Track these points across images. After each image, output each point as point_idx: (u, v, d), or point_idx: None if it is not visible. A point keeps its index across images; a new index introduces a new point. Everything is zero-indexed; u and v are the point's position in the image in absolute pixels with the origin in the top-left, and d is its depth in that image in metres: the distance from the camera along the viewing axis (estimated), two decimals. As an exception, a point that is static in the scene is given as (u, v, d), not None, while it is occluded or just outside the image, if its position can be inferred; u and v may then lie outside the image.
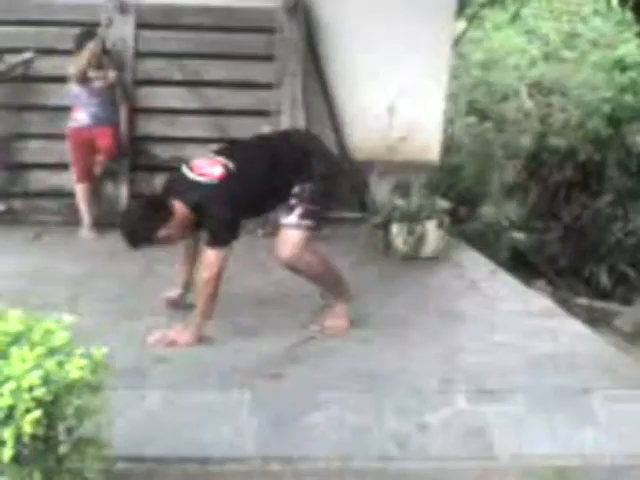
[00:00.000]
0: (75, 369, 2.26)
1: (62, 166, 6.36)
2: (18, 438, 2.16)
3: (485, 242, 6.94)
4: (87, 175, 6.26)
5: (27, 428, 2.14)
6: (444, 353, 3.98)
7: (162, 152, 6.55)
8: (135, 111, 6.58)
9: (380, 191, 6.77)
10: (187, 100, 6.60)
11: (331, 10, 6.81)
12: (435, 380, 3.62)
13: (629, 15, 8.39)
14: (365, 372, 3.69)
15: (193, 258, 4.35)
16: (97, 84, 6.15)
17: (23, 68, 6.41)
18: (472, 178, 8.36)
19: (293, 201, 4.04)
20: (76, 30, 6.17)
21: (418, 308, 4.57)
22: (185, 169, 4.02)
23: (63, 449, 2.33)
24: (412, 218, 5.92)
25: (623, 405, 3.47)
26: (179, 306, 4.38)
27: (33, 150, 6.51)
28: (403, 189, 6.55)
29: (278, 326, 4.26)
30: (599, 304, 6.92)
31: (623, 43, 10.03)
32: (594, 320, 5.85)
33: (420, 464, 3.13)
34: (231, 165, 3.95)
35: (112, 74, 6.24)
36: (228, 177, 3.91)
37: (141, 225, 3.88)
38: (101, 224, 6.24)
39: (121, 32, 6.57)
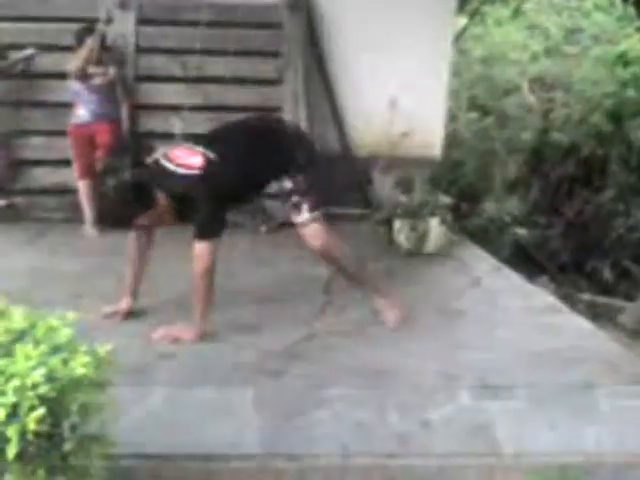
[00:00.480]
0: (79, 366, 2.26)
1: (64, 163, 6.35)
2: (22, 435, 2.15)
3: (487, 238, 6.94)
4: (89, 172, 6.24)
5: (31, 425, 2.14)
6: (447, 349, 3.98)
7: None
8: (136, 107, 6.57)
9: (382, 187, 6.77)
10: (189, 96, 6.59)
11: (333, 6, 6.80)
12: (438, 376, 3.62)
13: (631, 10, 8.38)
14: (368, 369, 3.69)
15: (142, 258, 4.27)
16: (97, 81, 6.14)
17: (24, 64, 6.40)
18: (474, 174, 8.37)
19: (295, 198, 4.06)
20: (76, 26, 6.16)
21: (421, 304, 4.57)
22: (163, 160, 3.98)
23: (67, 446, 2.32)
24: (415, 214, 5.92)
25: (626, 401, 3.46)
26: (130, 316, 4.26)
27: (35, 147, 6.51)
28: (405, 185, 6.54)
29: (281, 323, 4.26)
30: (602, 300, 6.92)
31: (625, 38, 10.01)
32: (597, 316, 5.86)
33: (423, 461, 3.13)
34: (211, 154, 3.92)
35: (112, 70, 6.23)
36: (209, 166, 3.88)
37: (125, 209, 3.88)
38: (103, 221, 6.23)
39: (122, 28, 6.55)
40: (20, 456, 2.19)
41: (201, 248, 3.87)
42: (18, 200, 6.44)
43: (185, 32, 6.60)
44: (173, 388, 3.39)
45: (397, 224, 5.94)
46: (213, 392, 3.40)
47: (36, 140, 6.52)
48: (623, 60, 9.35)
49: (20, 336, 2.36)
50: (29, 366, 2.19)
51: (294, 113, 6.55)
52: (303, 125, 6.49)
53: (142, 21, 6.59)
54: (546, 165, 8.98)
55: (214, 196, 3.87)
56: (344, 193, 6.49)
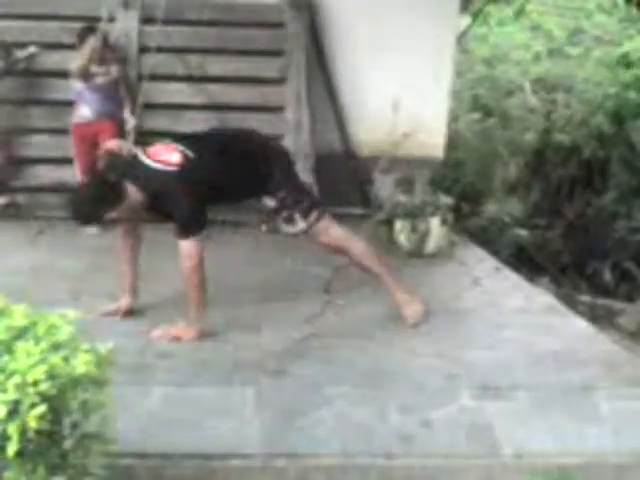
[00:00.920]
0: (80, 364, 2.26)
1: (66, 161, 6.34)
2: (23, 433, 2.16)
3: (488, 239, 6.93)
4: (91, 170, 6.24)
5: (32, 423, 2.14)
6: (448, 350, 3.98)
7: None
8: (139, 106, 6.55)
9: (384, 187, 6.76)
10: (191, 95, 6.59)
11: (336, 5, 6.79)
12: (439, 377, 3.63)
13: (634, 12, 8.37)
14: (369, 368, 3.69)
15: (135, 255, 4.27)
16: (99, 79, 6.13)
17: (26, 63, 6.40)
18: (475, 174, 8.37)
19: (284, 213, 4.15)
20: (79, 25, 6.16)
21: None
22: (141, 155, 3.99)
23: (68, 444, 2.33)
24: (415, 215, 5.91)
25: (626, 403, 3.47)
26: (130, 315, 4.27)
27: (37, 145, 6.50)
28: (407, 185, 6.54)
29: (282, 322, 4.26)
30: (602, 301, 6.91)
31: (627, 39, 10.01)
32: (597, 317, 5.85)
33: (424, 461, 3.13)
34: (189, 153, 3.93)
35: (115, 69, 6.23)
36: (186, 164, 3.89)
37: (91, 205, 3.87)
38: (104, 219, 6.23)
39: (125, 27, 6.54)
40: (20, 454, 2.19)
41: (186, 246, 3.87)
42: (19, 198, 6.44)
43: (188, 31, 6.60)
44: (173, 387, 3.40)
45: (398, 224, 5.93)
46: (213, 391, 3.41)
47: (38, 138, 6.52)
48: (625, 61, 9.35)
49: (21, 334, 2.36)
50: (30, 363, 2.20)
51: (296, 112, 6.54)
52: (305, 125, 6.50)
53: (145, 20, 6.58)
54: (547, 166, 8.97)
55: (191, 192, 3.87)
56: (345, 193, 6.49)
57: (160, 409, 3.22)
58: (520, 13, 10.63)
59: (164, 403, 3.26)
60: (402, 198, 6.21)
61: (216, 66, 6.60)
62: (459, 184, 7.76)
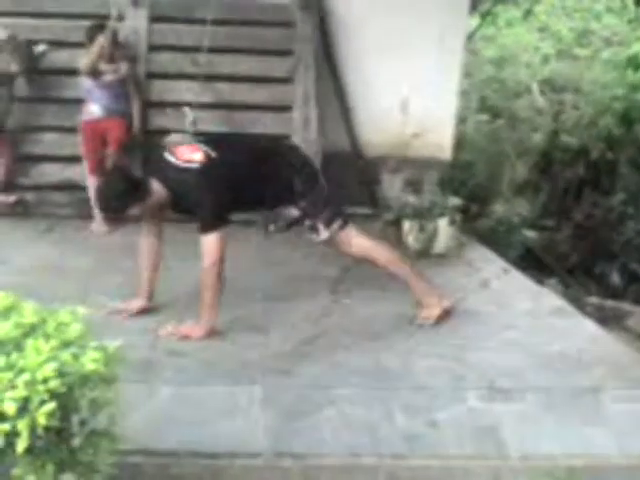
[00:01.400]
0: (90, 362, 2.26)
1: (74, 159, 6.36)
2: (32, 430, 2.16)
3: (496, 240, 6.91)
4: (99, 168, 6.26)
5: (41, 420, 2.14)
6: (455, 351, 3.98)
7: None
8: (148, 104, 6.57)
9: (392, 188, 6.77)
10: (200, 94, 6.59)
11: (345, 6, 6.80)
12: (445, 378, 3.63)
13: (643, 13, 8.36)
14: (375, 369, 3.69)
15: (156, 259, 4.30)
16: (108, 77, 6.15)
17: (35, 61, 6.42)
18: (484, 175, 8.35)
19: (308, 222, 4.24)
20: (88, 23, 6.18)
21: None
22: (167, 154, 4.06)
23: (76, 441, 2.33)
24: (424, 215, 5.91)
25: (634, 405, 3.46)
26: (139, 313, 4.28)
27: (46, 142, 6.52)
28: (415, 186, 6.55)
29: (289, 322, 4.27)
30: (610, 303, 6.88)
31: (636, 41, 9.98)
32: (605, 319, 5.82)
33: (430, 462, 3.12)
34: (212, 152, 4.01)
35: (124, 67, 6.24)
36: (209, 162, 3.97)
37: (117, 199, 3.95)
38: (112, 218, 6.24)
39: (134, 25, 6.57)
40: (29, 450, 2.20)
41: (207, 241, 3.91)
42: (28, 196, 6.45)
43: (197, 30, 6.61)
44: (181, 385, 3.40)
45: (406, 225, 5.93)
46: (220, 390, 3.41)
47: (47, 136, 6.53)
48: (634, 63, 9.31)
49: (30, 331, 2.36)
50: (39, 361, 2.20)
51: (304, 112, 6.55)
52: (313, 124, 6.50)
53: (154, 18, 6.60)
54: (556, 167, 8.96)
55: (213, 188, 3.94)
56: (352, 193, 6.48)
57: (167, 407, 3.23)
58: (528, 14, 10.61)
59: (171, 401, 3.27)
60: (410, 198, 6.22)
61: (225, 65, 6.61)
62: (467, 185, 7.74)
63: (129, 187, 3.94)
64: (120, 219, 4.07)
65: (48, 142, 6.51)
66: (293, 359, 3.77)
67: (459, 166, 7.70)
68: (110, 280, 4.80)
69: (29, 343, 2.28)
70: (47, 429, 2.19)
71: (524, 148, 8.95)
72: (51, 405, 2.16)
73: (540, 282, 5.91)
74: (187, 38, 6.59)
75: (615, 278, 7.73)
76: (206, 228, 3.91)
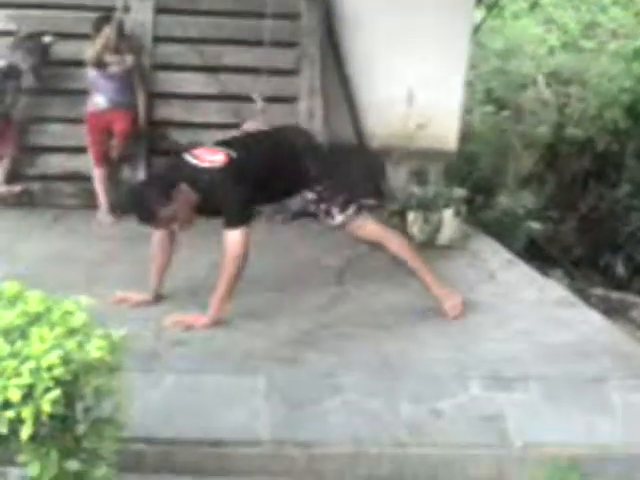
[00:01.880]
0: (94, 350, 2.27)
1: (80, 150, 6.37)
2: (37, 417, 2.17)
3: (501, 231, 6.91)
4: (104, 159, 6.27)
5: (46, 407, 2.16)
6: (459, 340, 3.99)
7: (180, 137, 6.55)
8: (153, 96, 6.58)
9: (397, 179, 6.76)
10: (205, 85, 6.60)
11: (351, -3, 6.79)
12: (450, 367, 3.63)
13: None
14: (380, 358, 3.70)
15: (167, 259, 4.32)
16: (114, 68, 6.16)
17: (46, 55, 6.41)
18: (489, 167, 8.34)
19: (322, 206, 4.27)
20: (94, 14, 6.19)
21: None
22: (189, 157, 4.10)
23: (81, 429, 2.35)
24: (429, 206, 5.91)
25: (638, 395, 3.46)
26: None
27: (52, 133, 6.53)
28: (420, 177, 6.54)
29: (294, 311, 4.28)
30: (615, 295, 6.89)
31: (643, 33, 9.96)
32: (610, 311, 5.84)
33: (433, 450, 3.14)
34: (232, 153, 4.06)
35: (129, 58, 6.24)
36: (231, 162, 4.02)
37: (146, 204, 3.95)
38: (118, 208, 6.27)
39: (140, 17, 6.56)
40: (34, 438, 2.21)
41: (232, 236, 3.93)
42: (34, 186, 6.47)
43: (203, 21, 6.61)
44: (185, 374, 3.41)
45: (411, 216, 5.93)
46: (225, 379, 3.42)
47: (53, 127, 6.54)
48: (640, 55, 9.30)
49: (36, 319, 2.37)
50: (44, 348, 2.21)
51: (309, 103, 6.54)
52: (318, 115, 6.50)
53: (160, 10, 6.60)
54: (561, 159, 8.94)
55: (237, 185, 3.97)
56: (358, 184, 6.48)
57: (172, 396, 3.24)
58: (535, 6, 10.59)
59: (176, 390, 3.28)
60: (415, 190, 6.21)
61: (230, 56, 6.61)
62: (472, 176, 7.73)
63: (155, 189, 4.00)
64: (158, 225, 4.04)
65: (54, 133, 6.52)
66: (298, 348, 3.78)
67: (464, 157, 7.69)
68: (115, 270, 4.82)
69: (34, 331, 2.29)
70: (51, 416, 2.21)
71: (530, 140, 8.94)
72: (56, 393, 2.17)
73: (545, 273, 5.90)
74: (192, 30, 6.60)
75: (620, 269, 7.72)
76: (231, 223, 3.94)
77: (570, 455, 3.12)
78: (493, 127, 9.12)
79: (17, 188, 6.38)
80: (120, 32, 6.18)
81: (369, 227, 4.35)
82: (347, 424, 3.18)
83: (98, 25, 6.09)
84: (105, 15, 6.16)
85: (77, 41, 6.34)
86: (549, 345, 3.94)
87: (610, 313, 5.49)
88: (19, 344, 2.26)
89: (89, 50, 6.09)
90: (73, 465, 2.32)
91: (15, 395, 2.15)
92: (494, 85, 9.76)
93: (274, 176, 4.13)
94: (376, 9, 6.73)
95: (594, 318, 4.48)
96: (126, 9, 6.40)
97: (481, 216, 7.11)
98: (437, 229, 5.85)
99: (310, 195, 4.29)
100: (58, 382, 2.19)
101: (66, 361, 2.23)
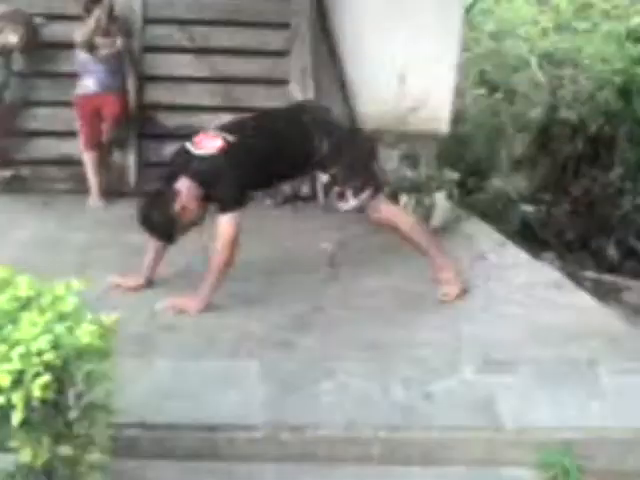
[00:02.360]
0: (85, 335, 2.26)
1: (70, 134, 6.33)
2: (27, 402, 2.17)
3: (494, 214, 6.92)
4: (94, 143, 6.24)
5: (36, 392, 2.15)
6: (451, 323, 3.99)
7: (170, 120, 6.52)
8: (143, 78, 6.54)
9: (389, 161, 6.74)
10: (196, 68, 6.55)
11: (342, -23, 6.74)
12: (442, 350, 3.64)
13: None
14: (372, 341, 3.70)
15: (162, 251, 4.30)
16: (104, 51, 6.11)
17: (36, 35, 6.36)
18: (481, 150, 8.34)
19: (337, 188, 4.16)
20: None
21: (425, 279, 4.56)
22: (188, 145, 4.08)
23: (72, 414, 2.34)
24: (421, 189, 5.90)
25: (630, 377, 3.47)
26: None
27: (41, 117, 6.48)
28: (412, 160, 6.52)
29: (287, 295, 4.27)
30: (607, 278, 6.91)
31: (636, 14, 9.91)
32: (602, 293, 5.85)
33: (425, 434, 3.14)
34: (230, 138, 4.00)
35: (119, 41, 6.20)
36: (228, 148, 3.97)
37: (153, 212, 3.96)
38: (109, 193, 6.24)
39: (129, -2, 6.51)
40: (25, 423, 2.20)
41: (224, 222, 3.91)
42: (24, 171, 6.43)
43: (193, 3, 6.55)
44: (178, 359, 3.41)
45: (403, 198, 5.92)
46: (218, 363, 3.42)
47: (42, 111, 6.50)
48: (634, 37, 9.26)
49: (26, 304, 2.37)
50: (34, 333, 2.20)
51: (301, 86, 6.51)
52: (309, 98, 6.46)
53: (149, -9, 6.55)
54: (554, 142, 8.93)
55: (234, 170, 3.93)
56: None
57: (164, 381, 3.24)
58: (528, -13, 10.54)
59: (168, 375, 3.28)
60: (407, 172, 6.19)
61: (221, 38, 6.56)
62: (465, 159, 7.73)
63: (154, 196, 4.03)
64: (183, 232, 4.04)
65: (43, 117, 6.47)
66: (291, 332, 3.78)
67: (457, 140, 7.68)
68: (106, 255, 4.80)
69: (24, 316, 2.28)
70: (43, 402, 2.20)
71: (522, 122, 8.92)
72: (46, 378, 2.16)
73: (537, 256, 5.91)
74: (182, 11, 6.54)
75: (612, 252, 7.74)
76: (225, 208, 3.92)
77: (562, 438, 3.13)
78: (486, 109, 9.10)
79: (7, 173, 6.35)
80: (110, 14, 6.13)
81: (383, 210, 4.26)
82: (340, 407, 3.18)
83: (89, 6, 6.04)
84: (96, -3, 6.11)
85: (66, 23, 6.28)
86: (541, 328, 3.94)
87: (602, 296, 5.49)
88: (9, 329, 2.25)
89: (79, 32, 6.04)
90: (65, 450, 2.32)
91: (5, 380, 2.14)
92: (487, 67, 9.73)
93: (280, 158, 4.06)
94: (368, -10, 6.69)
95: (586, 301, 4.49)
96: (116, -9, 6.35)
97: (473, 199, 7.12)
98: (429, 212, 5.84)
99: (324, 177, 4.19)
100: (48, 367, 2.19)
101: (56, 346, 2.22)
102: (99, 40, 6.06)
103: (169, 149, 6.46)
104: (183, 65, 6.56)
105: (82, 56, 6.10)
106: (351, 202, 4.17)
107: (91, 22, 5.99)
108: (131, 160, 6.49)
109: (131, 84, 6.40)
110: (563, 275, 5.12)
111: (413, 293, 4.39)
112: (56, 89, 6.43)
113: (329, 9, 6.76)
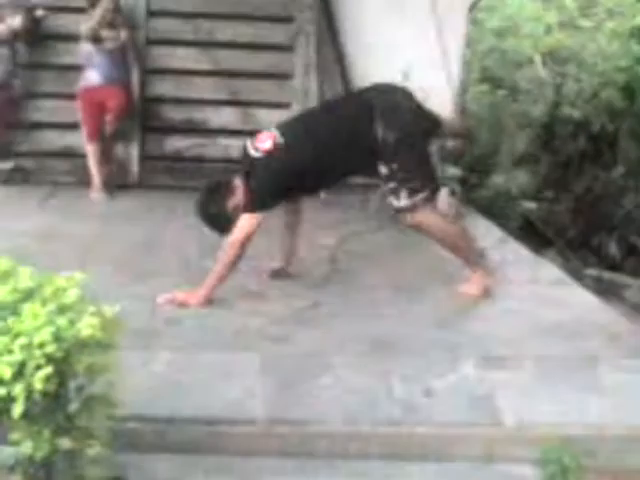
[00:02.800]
0: (86, 327, 2.27)
1: (74, 126, 6.34)
2: (28, 394, 2.17)
3: (495, 211, 6.91)
4: (98, 135, 6.24)
5: (37, 384, 2.15)
6: (451, 319, 4.00)
7: (174, 113, 6.52)
8: (147, 72, 6.54)
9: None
10: (200, 61, 6.55)
11: (346, -27, 6.74)
12: (442, 346, 3.64)
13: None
14: (373, 337, 3.70)
15: (293, 229, 4.39)
16: (109, 44, 6.11)
17: (36, 23, 6.35)
18: (484, 146, 8.32)
19: (392, 184, 4.01)
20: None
21: (426, 275, 4.57)
22: (248, 143, 4.07)
23: (73, 407, 2.35)
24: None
25: (630, 374, 3.47)
26: (281, 277, 4.42)
27: (45, 109, 6.49)
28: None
29: (287, 290, 4.27)
30: (609, 275, 6.90)
31: (640, 12, 9.89)
32: (603, 291, 5.84)
33: (426, 429, 3.14)
34: (280, 140, 3.96)
35: (124, 34, 6.20)
36: (274, 151, 3.94)
37: (209, 205, 4.04)
38: (111, 185, 6.25)
39: (134, -9, 6.51)
40: (26, 415, 2.21)
41: (244, 218, 3.93)
42: (27, 163, 6.44)
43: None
44: (179, 352, 3.41)
45: (405, 195, 5.91)
46: (218, 357, 3.42)
47: (46, 103, 6.50)
48: (638, 34, 9.24)
49: (27, 296, 2.36)
50: (36, 325, 2.20)
51: (305, 80, 6.51)
52: (313, 93, 6.47)
53: (154, -16, 6.55)
54: (556, 140, 8.91)
55: (269, 178, 3.95)
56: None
57: (165, 374, 3.24)
58: (532, -17, 10.52)
59: (169, 368, 3.28)
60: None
61: (225, 31, 6.56)
62: (467, 156, 7.71)
63: (208, 193, 4.08)
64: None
65: (47, 109, 6.49)
66: (291, 327, 3.78)
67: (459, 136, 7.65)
68: (108, 247, 4.80)
69: (26, 308, 2.28)
70: (44, 394, 2.20)
71: (525, 120, 8.90)
72: (47, 370, 2.16)
73: (539, 253, 5.90)
74: (186, 4, 6.54)
75: (613, 250, 7.73)
76: (247, 207, 3.94)
77: (562, 435, 3.12)
78: (488, 106, 9.08)
79: (9, 165, 6.35)
80: (115, 7, 6.13)
81: (431, 219, 4.09)
82: (339, 403, 3.17)
83: (93, -1, 6.05)
84: (100, -11, 6.11)
85: (71, 15, 6.29)
86: (541, 325, 3.94)
87: (603, 293, 5.49)
88: (10, 320, 2.25)
89: (85, 24, 6.04)
90: (66, 443, 2.32)
91: (6, 372, 2.14)
92: (490, 64, 9.71)
93: (334, 158, 3.98)
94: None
95: (587, 298, 4.49)
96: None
97: (475, 195, 7.10)
98: (432, 208, 5.83)
99: (383, 169, 3.98)
100: (50, 359, 2.19)
101: (58, 338, 2.22)
102: (104, 32, 6.06)
103: (172, 142, 6.52)
104: (187, 58, 6.56)
105: (87, 48, 6.10)
106: (403, 201, 4.01)
107: (97, 14, 5.99)
108: (134, 153, 6.50)
109: (135, 77, 6.40)
110: (564, 272, 5.13)
111: (414, 289, 4.38)
112: (60, 81, 6.44)
113: (334, 5, 6.76)
